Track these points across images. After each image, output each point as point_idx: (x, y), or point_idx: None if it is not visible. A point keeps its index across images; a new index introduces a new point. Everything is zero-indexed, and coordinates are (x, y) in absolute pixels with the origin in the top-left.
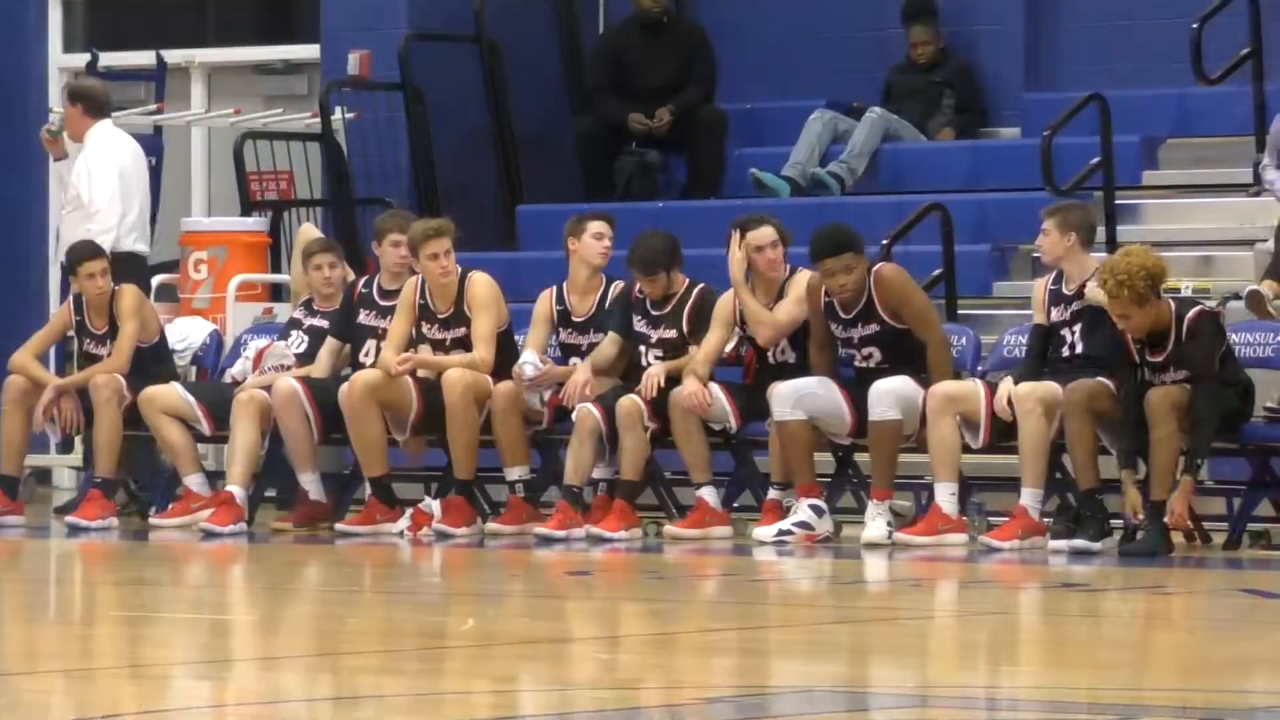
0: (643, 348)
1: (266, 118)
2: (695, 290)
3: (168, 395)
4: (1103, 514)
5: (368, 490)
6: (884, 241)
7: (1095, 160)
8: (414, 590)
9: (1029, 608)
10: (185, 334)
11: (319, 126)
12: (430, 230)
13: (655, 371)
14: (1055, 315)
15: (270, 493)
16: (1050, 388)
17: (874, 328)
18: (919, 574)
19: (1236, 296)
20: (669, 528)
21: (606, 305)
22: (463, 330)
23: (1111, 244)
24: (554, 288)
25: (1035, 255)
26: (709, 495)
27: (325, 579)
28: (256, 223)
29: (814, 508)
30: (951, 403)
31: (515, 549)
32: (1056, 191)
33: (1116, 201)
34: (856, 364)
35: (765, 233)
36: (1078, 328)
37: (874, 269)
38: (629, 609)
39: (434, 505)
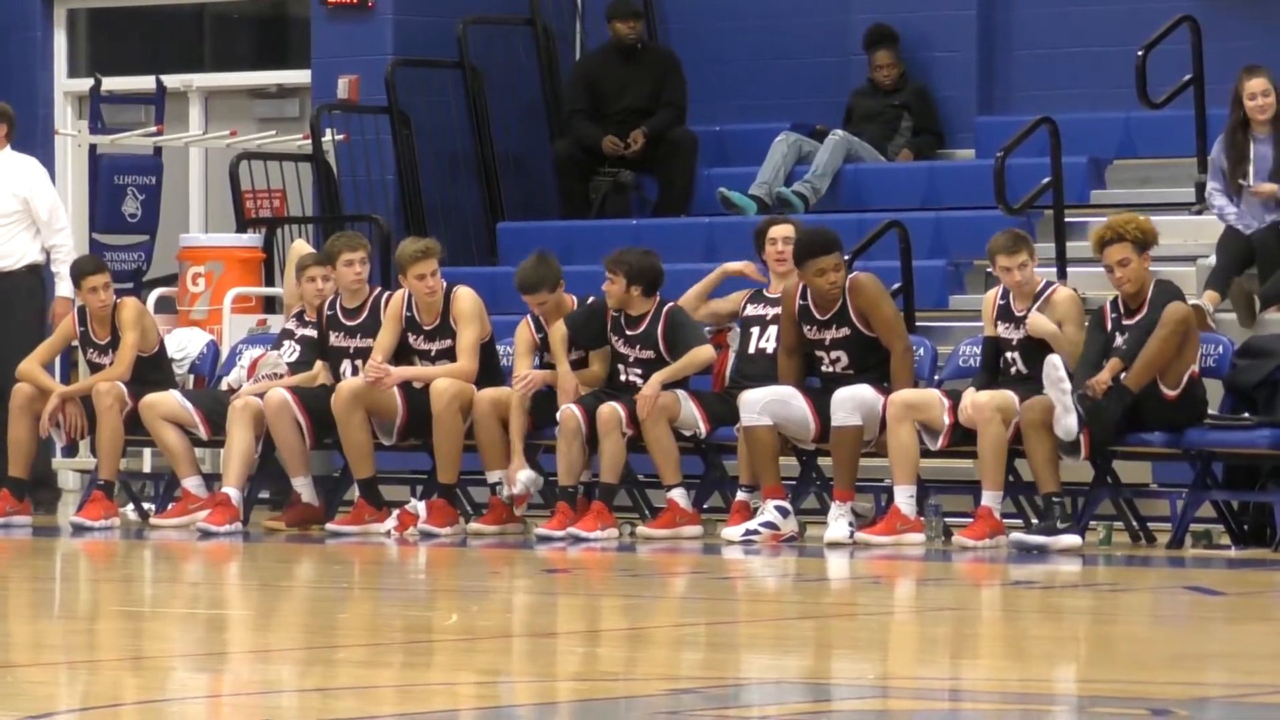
0: (621, 365)
1: (261, 139)
2: (665, 310)
3: (167, 402)
4: (1063, 515)
5: (357, 492)
6: (845, 257)
7: (1045, 180)
8: (401, 587)
9: (986, 604)
10: (183, 344)
11: (310, 148)
12: (418, 252)
13: (649, 393)
14: (1002, 330)
15: (264, 494)
16: (1007, 396)
17: (845, 332)
18: (879, 571)
19: None
20: (641, 528)
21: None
22: (448, 342)
23: (1061, 260)
24: (529, 316)
25: (989, 270)
26: (679, 497)
27: (316, 576)
28: (251, 239)
29: (779, 509)
30: (911, 410)
31: (496, 548)
32: (1009, 210)
33: (1066, 219)
34: (823, 368)
35: (785, 228)
36: (1018, 354)
37: (851, 276)
38: (605, 605)
39: (419, 506)
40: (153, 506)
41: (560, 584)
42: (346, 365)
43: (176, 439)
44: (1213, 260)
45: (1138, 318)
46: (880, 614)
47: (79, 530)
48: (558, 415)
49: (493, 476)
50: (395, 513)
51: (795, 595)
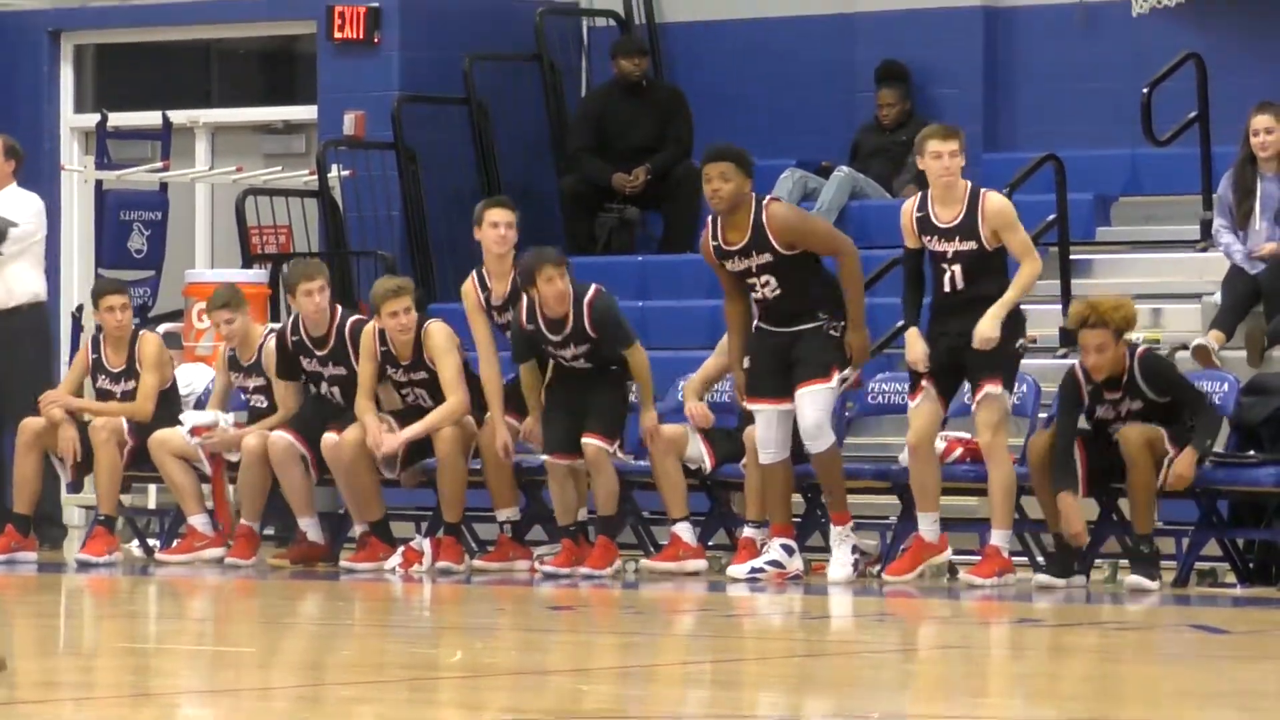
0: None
1: (267, 175)
2: (585, 304)
3: (176, 438)
4: (1073, 553)
5: (357, 529)
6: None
7: (1051, 217)
8: (406, 624)
9: (994, 641)
10: (189, 380)
11: (316, 183)
12: (390, 290)
13: (649, 425)
14: (932, 244)
15: (269, 530)
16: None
17: (767, 257)
18: (885, 609)
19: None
20: (645, 562)
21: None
22: (423, 374)
23: (1065, 297)
24: (474, 274)
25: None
26: (684, 531)
27: (323, 613)
28: (257, 275)
29: (785, 547)
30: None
31: (501, 584)
32: None
33: (1071, 257)
34: (755, 296)
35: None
36: (958, 268)
37: (765, 203)
38: (610, 642)
39: (424, 544)
40: (157, 543)
41: (565, 621)
42: (325, 385)
43: (184, 476)
44: (1218, 298)
45: (1119, 393)
46: (885, 652)
47: (83, 566)
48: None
49: (501, 514)
50: (400, 549)
51: (801, 632)
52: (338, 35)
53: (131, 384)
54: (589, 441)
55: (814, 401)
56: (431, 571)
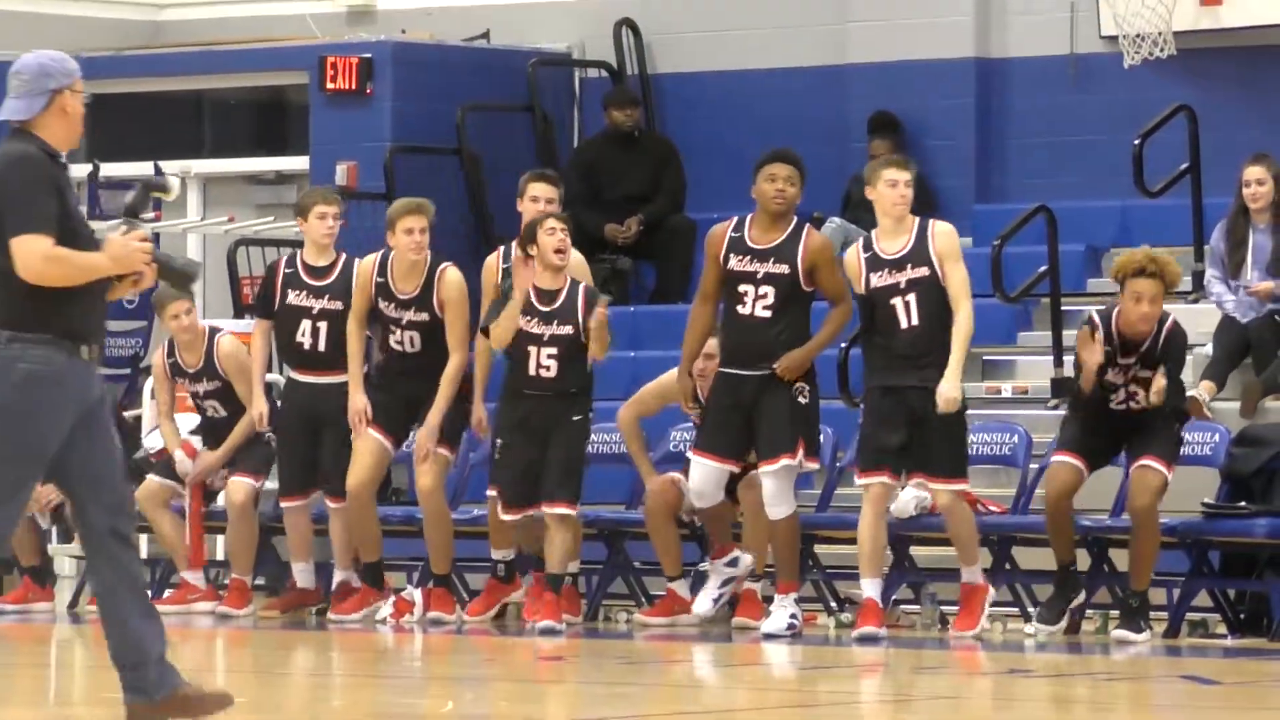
0: (533, 350)
1: (258, 225)
2: (582, 286)
3: (164, 490)
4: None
5: (338, 578)
6: (843, 344)
7: (1042, 268)
8: (398, 674)
9: (984, 692)
10: (180, 428)
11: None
12: (411, 205)
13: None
14: (883, 280)
15: (260, 580)
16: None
17: (784, 268)
18: (876, 659)
19: None
20: (638, 615)
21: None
22: (423, 315)
23: (1058, 348)
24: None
25: (986, 358)
26: (679, 587)
27: (314, 663)
28: (248, 324)
29: (731, 563)
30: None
31: (492, 635)
32: (1006, 298)
33: (1063, 307)
34: (742, 307)
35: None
36: (911, 297)
37: (806, 227)
38: (599, 692)
39: (415, 594)
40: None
41: (555, 671)
42: (306, 325)
43: (175, 531)
44: (1209, 349)
45: (1134, 358)
46: (877, 702)
47: (76, 618)
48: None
49: (497, 554)
50: (391, 599)
51: (794, 683)
52: (330, 86)
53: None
54: (551, 511)
55: (777, 475)
56: (423, 622)
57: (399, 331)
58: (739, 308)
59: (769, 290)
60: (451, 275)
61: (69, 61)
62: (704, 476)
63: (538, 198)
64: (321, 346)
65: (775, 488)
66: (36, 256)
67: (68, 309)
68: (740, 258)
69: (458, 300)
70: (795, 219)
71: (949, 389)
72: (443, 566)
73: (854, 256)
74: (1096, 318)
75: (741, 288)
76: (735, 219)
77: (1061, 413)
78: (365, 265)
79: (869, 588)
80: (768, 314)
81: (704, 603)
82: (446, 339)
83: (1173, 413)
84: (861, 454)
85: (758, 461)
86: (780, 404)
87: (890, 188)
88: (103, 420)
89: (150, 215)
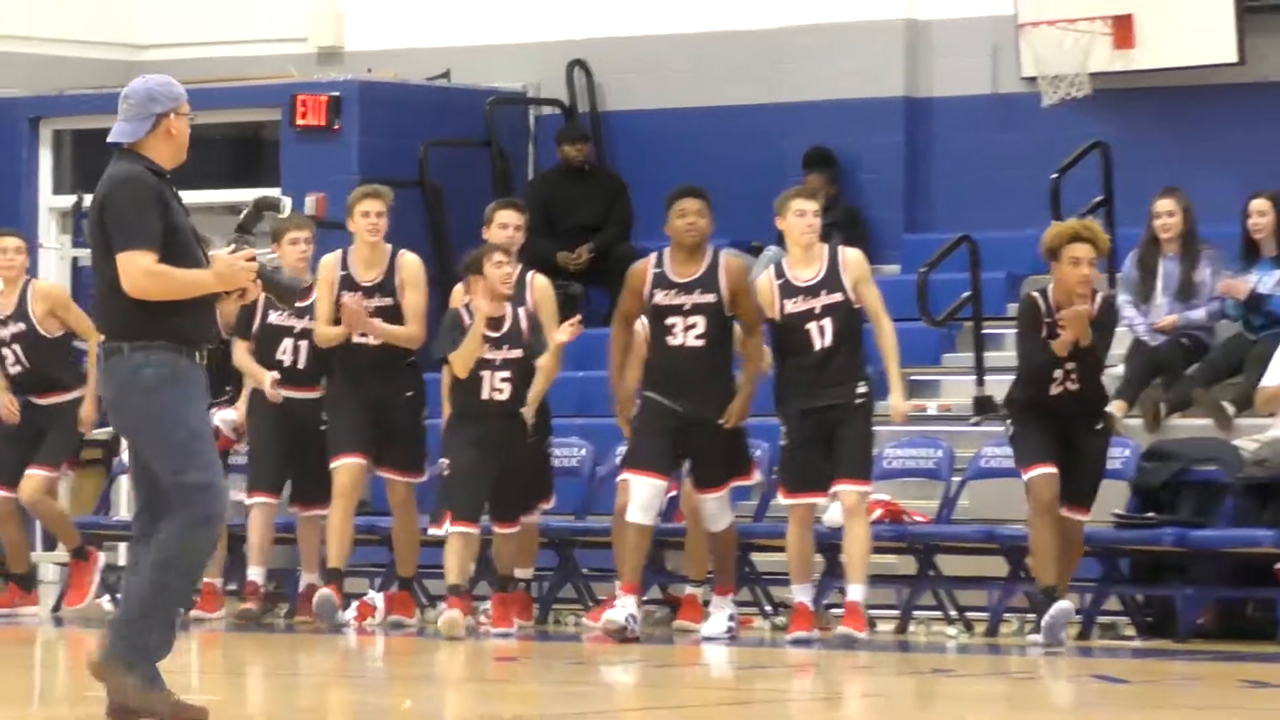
0: (486, 374)
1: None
2: (522, 310)
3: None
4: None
5: (304, 583)
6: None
7: (966, 294)
8: (361, 674)
9: (908, 691)
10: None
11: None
12: (369, 190)
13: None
14: (798, 306)
15: (232, 586)
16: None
17: (711, 297)
18: (800, 659)
19: None
20: (586, 619)
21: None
22: (388, 300)
23: (980, 369)
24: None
25: (913, 377)
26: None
27: (279, 664)
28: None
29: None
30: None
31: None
32: (932, 322)
33: (984, 331)
34: (672, 339)
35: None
36: (826, 322)
37: (721, 251)
38: (551, 691)
39: (377, 598)
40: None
41: (509, 671)
42: (288, 344)
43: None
44: (1121, 370)
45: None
46: (810, 700)
47: (59, 622)
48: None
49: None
50: (354, 603)
51: (733, 682)
52: (300, 122)
53: None
54: (503, 531)
55: (718, 499)
56: (385, 625)
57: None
58: (669, 339)
59: (698, 320)
60: (411, 257)
61: (174, 86)
62: (643, 487)
63: (506, 224)
64: (302, 364)
65: (716, 508)
66: (139, 272)
67: (178, 316)
68: (666, 292)
69: (419, 280)
70: (710, 249)
71: (898, 402)
72: (407, 570)
73: (766, 284)
74: (1038, 295)
75: (670, 320)
76: (654, 255)
77: (985, 429)
78: (328, 260)
79: (800, 594)
80: (700, 343)
81: (715, 628)
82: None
83: (1104, 434)
84: (787, 476)
85: (696, 488)
86: (713, 437)
87: (799, 217)
88: (209, 424)
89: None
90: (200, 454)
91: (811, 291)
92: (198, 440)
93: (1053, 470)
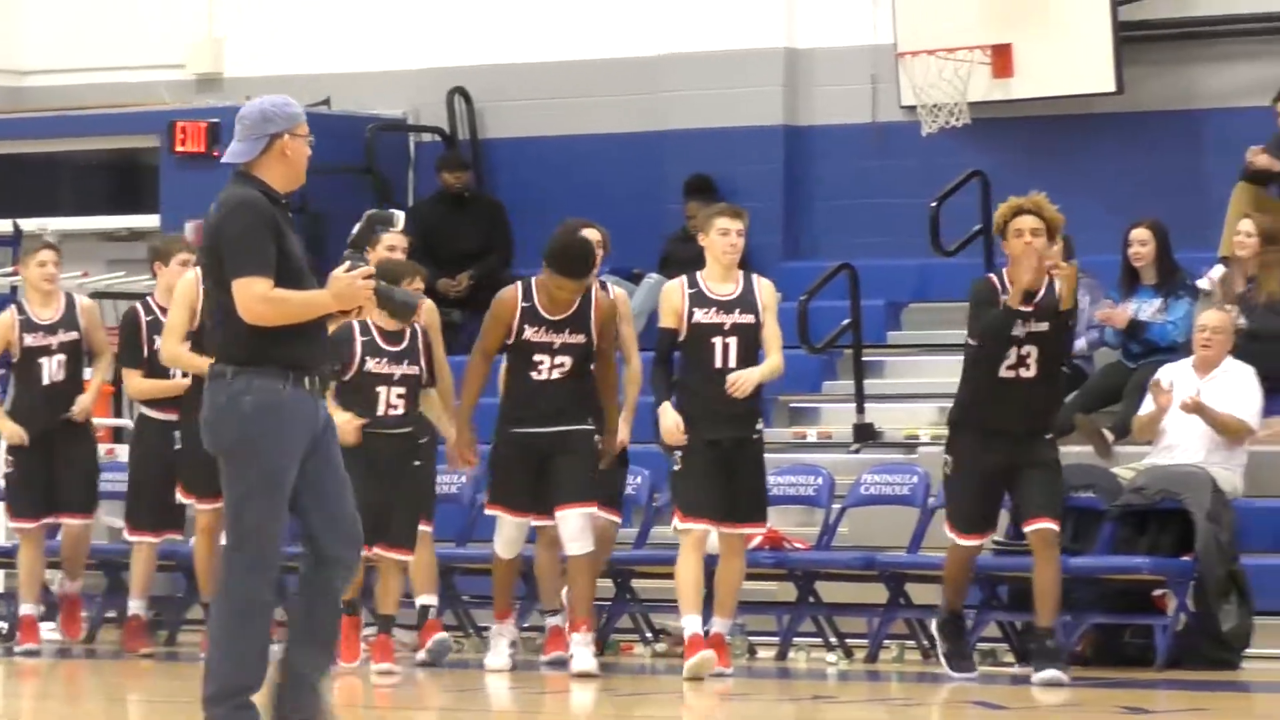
0: (382, 390)
1: (110, 280)
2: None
3: None
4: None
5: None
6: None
7: (846, 322)
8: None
9: (790, 717)
10: None
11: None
12: (175, 241)
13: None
14: (702, 317)
15: (111, 614)
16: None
17: (580, 338)
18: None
19: None
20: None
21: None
22: None
23: (860, 396)
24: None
25: (793, 405)
26: (559, 621)
27: (163, 692)
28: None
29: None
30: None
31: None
32: (812, 349)
33: (864, 359)
34: (537, 374)
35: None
36: (734, 340)
37: (594, 291)
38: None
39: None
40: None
41: (389, 698)
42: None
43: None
44: None
45: (1032, 307)
46: None
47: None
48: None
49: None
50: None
51: (612, 711)
52: (179, 148)
53: None
54: (390, 556)
55: (580, 516)
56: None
57: None
58: (533, 374)
59: (566, 359)
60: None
61: (291, 106)
62: (510, 524)
63: (394, 246)
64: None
65: (576, 526)
66: (255, 299)
67: (288, 342)
68: (535, 328)
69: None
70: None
71: (749, 373)
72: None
73: (676, 291)
74: (993, 276)
75: (537, 357)
76: (521, 285)
77: (865, 456)
78: (188, 280)
79: (691, 624)
80: (561, 376)
81: (584, 663)
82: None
83: (1055, 464)
84: (683, 500)
85: (555, 506)
86: (577, 456)
87: (721, 235)
88: (332, 448)
89: (10, 268)
90: (269, 496)
91: (725, 307)
92: (270, 482)
93: (977, 544)
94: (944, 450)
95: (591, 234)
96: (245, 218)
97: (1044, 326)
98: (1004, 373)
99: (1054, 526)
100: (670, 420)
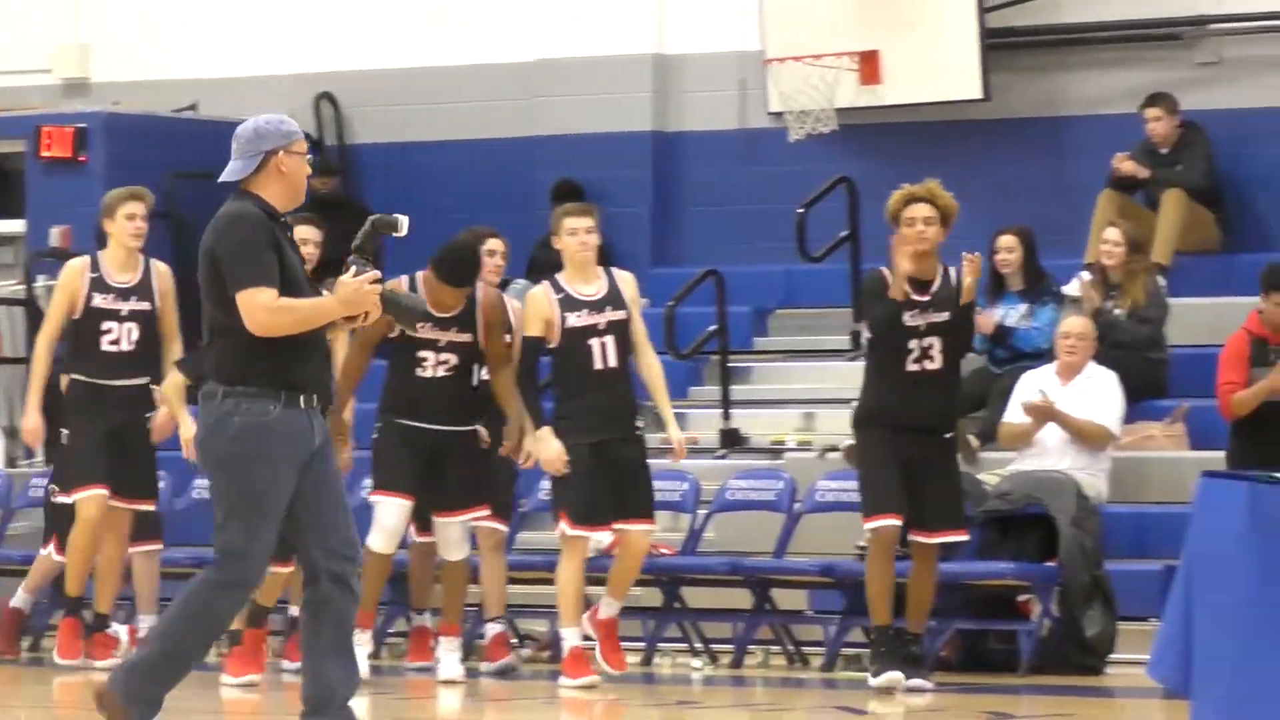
0: None
1: None
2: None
3: None
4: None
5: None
6: None
7: (712, 328)
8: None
9: None
10: None
11: (24, 292)
12: (133, 191)
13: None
14: (575, 321)
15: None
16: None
17: (468, 336)
18: (547, 693)
19: (834, 449)
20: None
21: None
22: (145, 305)
23: (726, 402)
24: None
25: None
26: (500, 626)
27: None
28: None
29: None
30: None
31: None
32: (678, 355)
33: (730, 364)
34: (423, 371)
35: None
36: (610, 339)
37: (478, 289)
38: None
39: (121, 630)
40: None
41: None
42: (114, 326)
43: None
44: None
45: (928, 296)
46: None
47: None
48: None
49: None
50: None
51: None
52: (45, 153)
53: None
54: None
55: (461, 526)
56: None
57: (116, 327)
58: (419, 371)
59: (451, 357)
60: (165, 267)
61: (286, 124)
62: (391, 512)
63: (306, 240)
64: (127, 346)
65: (459, 534)
66: (261, 308)
67: (282, 361)
68: (422, 324)
69: (174, 291)
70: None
71: (678, 434)
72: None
73: (542, 298)
74: (883, 268)
75: (421, 353)
76: (405, 280)
77: (731, 462)
78: (74, 265)
79: (571, 636)
80: (450, 374)
81: (450, 671)
82: (163, 331)
83: (956, 472)
84: (572, 508)
85: (439, 511)
86: (469, 460)
87: (571, 236)
88: (328, 466)
89: None
90: (248, 517)
91: (596, 307)
92: (251, 503)
93: (896, 523)
94: (846, 452)
95: (496, 244)
96: (240, 230)
97: (944, 316)
98: (910, 366)
99: (957, 539)
100: (553, 450)
